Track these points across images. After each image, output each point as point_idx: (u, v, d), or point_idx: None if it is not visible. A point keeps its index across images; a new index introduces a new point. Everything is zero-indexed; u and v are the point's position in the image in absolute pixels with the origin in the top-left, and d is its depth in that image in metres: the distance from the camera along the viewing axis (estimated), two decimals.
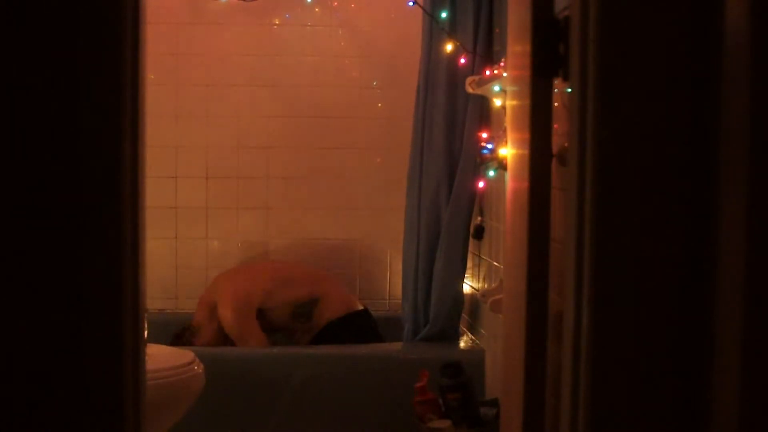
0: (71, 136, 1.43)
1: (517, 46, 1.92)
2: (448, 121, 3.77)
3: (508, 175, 2.09)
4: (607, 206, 1.52)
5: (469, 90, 3.52)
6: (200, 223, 4.38)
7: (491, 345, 3.53)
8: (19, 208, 1.43)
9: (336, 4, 4.42)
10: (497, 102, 3.41)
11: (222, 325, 3.92)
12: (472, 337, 3.89)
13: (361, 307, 4.08)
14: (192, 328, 3.93)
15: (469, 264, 3.91)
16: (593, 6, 1.52)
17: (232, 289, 3.96)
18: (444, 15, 3.75)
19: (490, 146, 3.30)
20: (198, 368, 3.03)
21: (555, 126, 1.79)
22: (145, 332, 1.65)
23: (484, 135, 3.52)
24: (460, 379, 3.07)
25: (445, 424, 3.06)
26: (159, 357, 2.95)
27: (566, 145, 1.67)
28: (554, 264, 1.78)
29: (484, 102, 3.69)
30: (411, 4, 3.79)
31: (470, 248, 3.87)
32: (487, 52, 3.65)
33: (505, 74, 3.06)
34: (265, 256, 4.41)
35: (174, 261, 4.36)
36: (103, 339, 1.46)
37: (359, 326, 3.99)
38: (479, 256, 3.87)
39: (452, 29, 3.75)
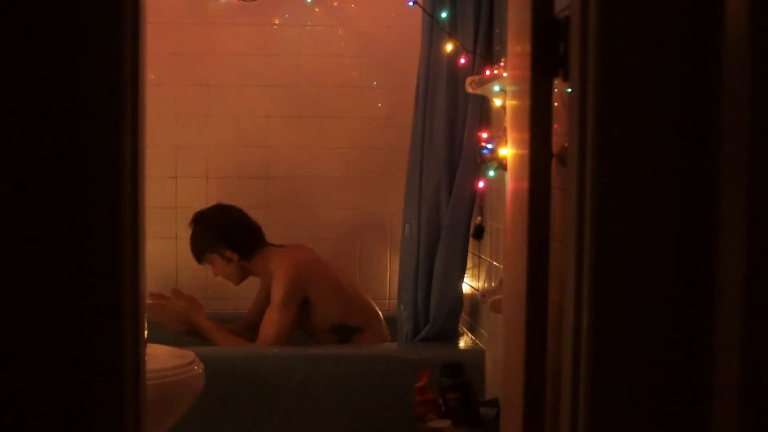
0: (71, 136, 1.43)
1: (517, 46, 1.92)
2: (448, 121, 3.76)
3: (508, 175, 2.09)
4: (607, 206, 1.52)
5: (469, 90, 3.51)
6: None
7: (491, 345, 3.53)
8: (19, 208, 1.43)
9: (336, 4, 4.41)
10: (497, 102, 3.40)
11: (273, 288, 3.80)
12: (472, 337, 3.89)
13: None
14: None
15: (469, 264, 3.90)
16: (593, 6, 1.52)
17: (296, 254, 3.87)
18: (444, 15, 3.75)
19: (490, 146, 3.29)
20: (198, 368, 3.03)
21: (555, 126, 1.79)
22: (145, 332, 1.65)
23: (484, 135, 3.51)
24: (460, 379, 3.06)
25: (445, 424, 3.05)
26: (159, 357, 2.95)
27: (566, 145, 1.67)
28: (554, 264, 1.78)
29: (484, 102, 3.69)
30: (411, 4, 3.78)
31: (470, 248, 3.87)
32: (487, 52, 3.65)
33: (505, 74, 3.06)
34: None
35: (174, 261, 4.36)
36: (103, 339, 1.46)
37: None
38: (479, 256, 3.86)
39: (452, 29, 3.74)
